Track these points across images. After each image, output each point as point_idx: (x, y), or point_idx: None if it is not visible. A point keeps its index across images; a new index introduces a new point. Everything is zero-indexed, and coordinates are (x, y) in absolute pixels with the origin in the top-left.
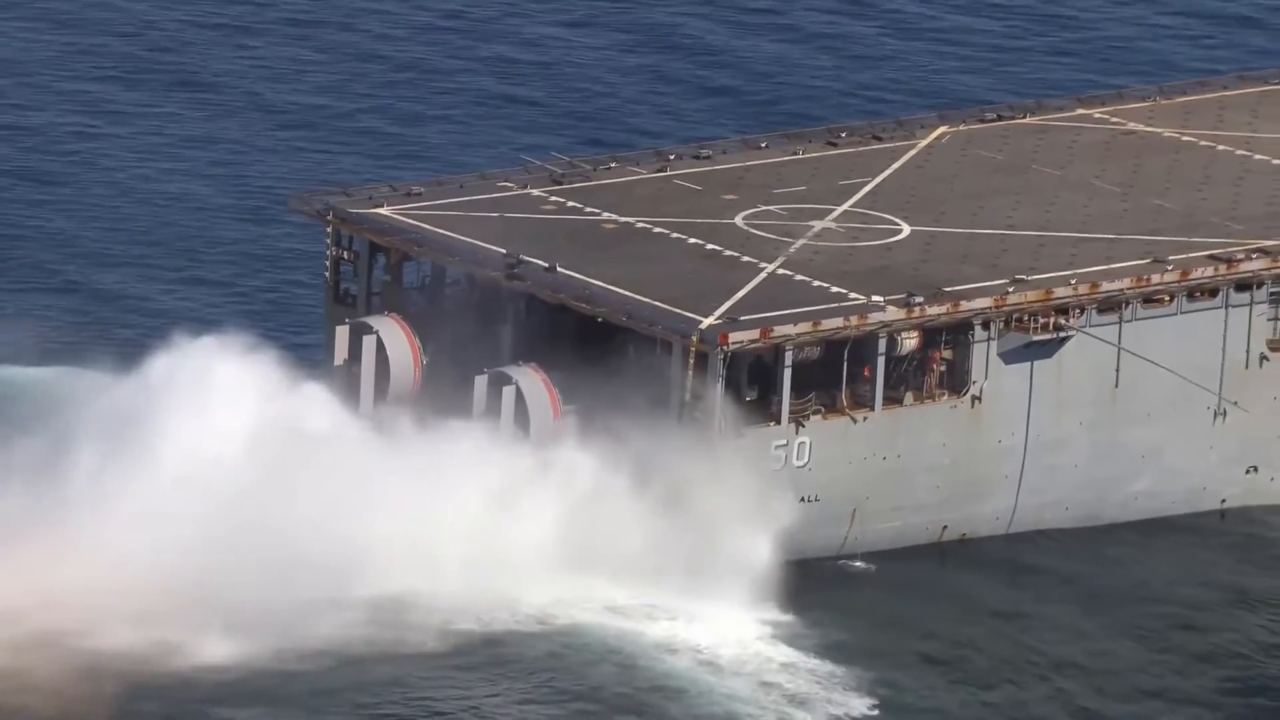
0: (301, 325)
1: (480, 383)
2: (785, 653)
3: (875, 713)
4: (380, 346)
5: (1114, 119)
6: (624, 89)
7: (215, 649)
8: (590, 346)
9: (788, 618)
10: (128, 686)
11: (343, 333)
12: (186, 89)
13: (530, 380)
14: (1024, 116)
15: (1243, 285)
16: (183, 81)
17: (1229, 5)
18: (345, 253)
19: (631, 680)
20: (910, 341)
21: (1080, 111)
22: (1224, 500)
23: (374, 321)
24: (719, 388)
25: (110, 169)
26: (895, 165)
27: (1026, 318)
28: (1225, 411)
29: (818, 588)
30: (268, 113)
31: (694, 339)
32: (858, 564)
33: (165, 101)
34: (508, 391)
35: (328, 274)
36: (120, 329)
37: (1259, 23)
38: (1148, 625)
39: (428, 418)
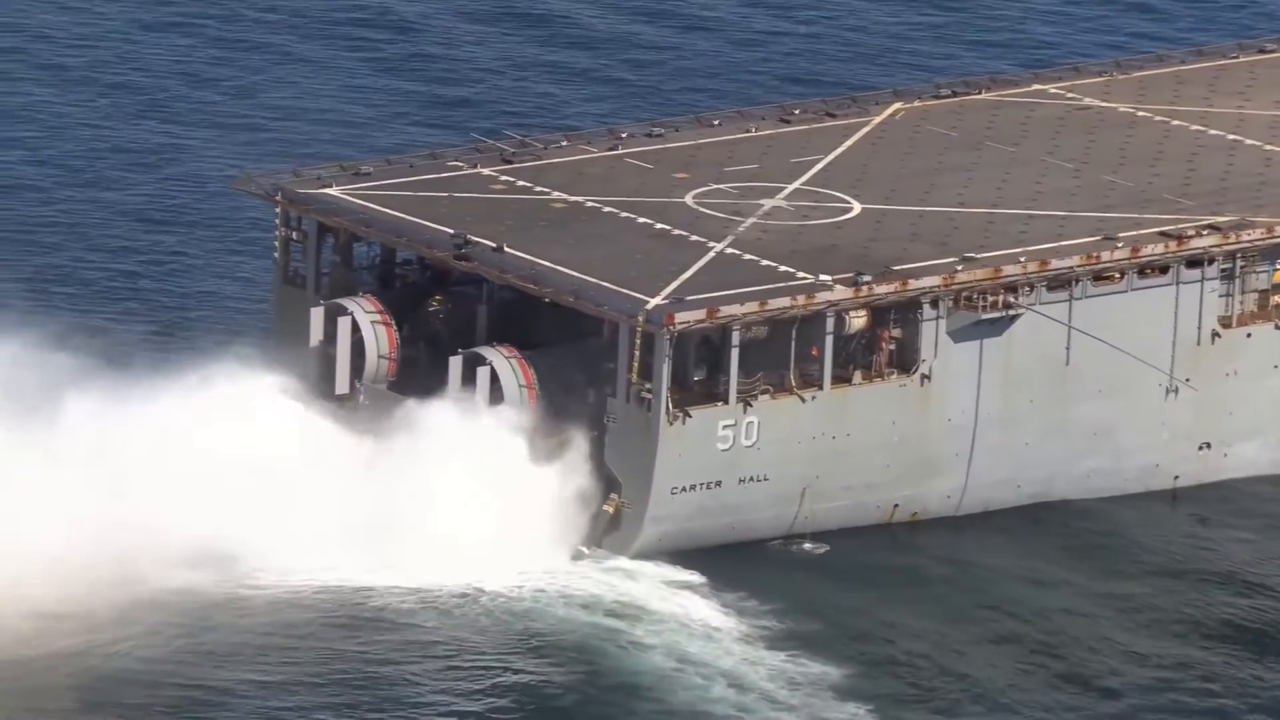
0: (250, 305)
1: (455, 364)
2: (723, 627)
3: (814, 697)
4: (355, 327)
5: (1069, 94)
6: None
7: None
8: (567, 325)
9: (731, 594)
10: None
11: (318, 314)
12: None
13: (504, 361)
14: (979, 92)
15: (1194, 262)
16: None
17: None
18: (294, 233)
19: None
20: (858, 320)
21: (1036, 87)
22: (1177, 478)
23: (348, 303)
24: (665, 368)
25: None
26: (848, 143)
27: (976, 296)
28: (1177, 389)
29: (766, 568)
30: (213, 94)
31: (640, 319)
32: (807, 544)
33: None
34: (482, 372)
35: (277, 254)
36: (67, 309)
37: None
38: (1105, 603)
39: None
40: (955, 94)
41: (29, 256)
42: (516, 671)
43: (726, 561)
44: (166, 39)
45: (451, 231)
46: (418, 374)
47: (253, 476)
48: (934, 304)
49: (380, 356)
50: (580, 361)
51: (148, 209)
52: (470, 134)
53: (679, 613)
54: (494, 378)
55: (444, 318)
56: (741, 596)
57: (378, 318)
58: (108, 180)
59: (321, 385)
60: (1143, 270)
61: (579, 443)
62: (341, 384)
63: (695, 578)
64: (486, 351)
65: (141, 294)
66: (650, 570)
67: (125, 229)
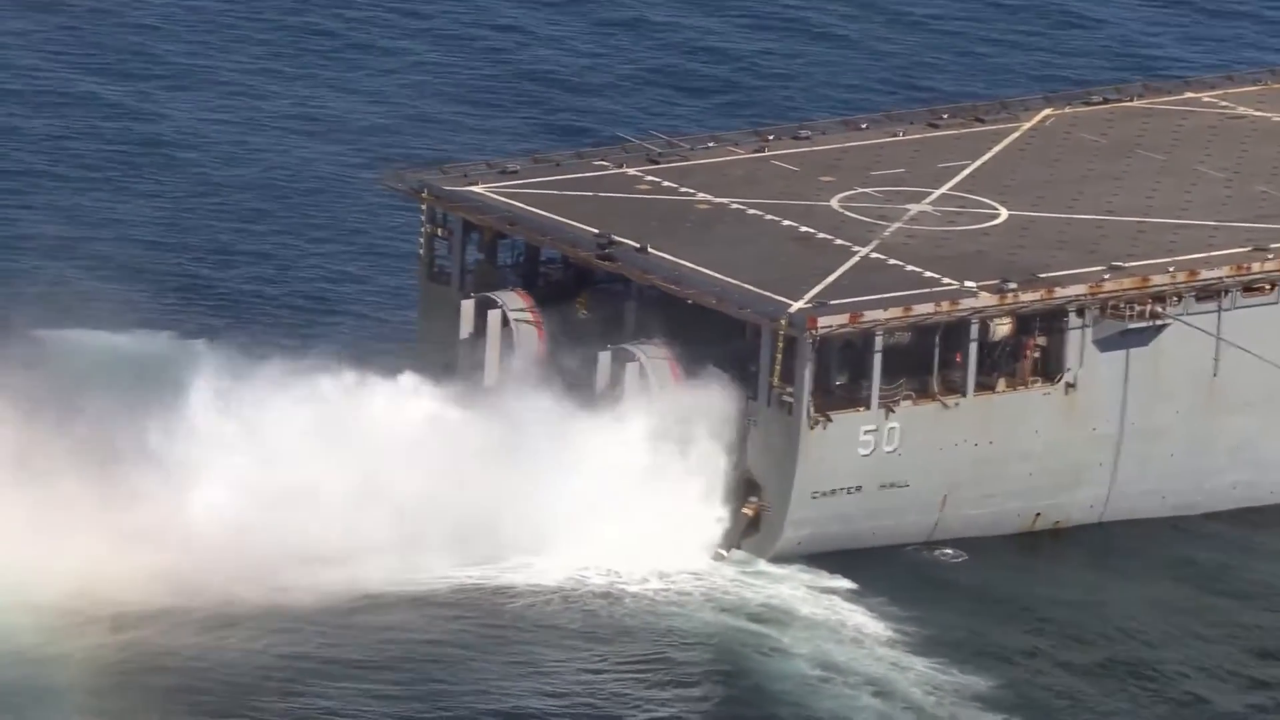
0: (394, 302)
1: (604, 359)
2: (868, 632)
3: (960, 707)
4: (505, 321)
5: (1223, 103)
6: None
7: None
8: (717, 323)
9: (874, 599)
10: None
11: (468, 306)
12: (286, 61)
13: (653, 356)
14: (1131, 99)
15: None
16: (278, 54)
17: None
18: (439, 230)
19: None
20: (1003, 328)
21: (1189, 95)
22: None
23: (498, 296)
24: (807, 372)
25: (204, 143)
26: (997, 148)
27: (1123, 305)
28: None
29: (907, 574)
30: (368, 88)
31: (783, 323)
32: (947, 551)
33: (262, 76)
34: (631, 368)
35: (421, 251)
36: (211, 300)
37: None
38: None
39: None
40: (1106, 101)
41: (174, 262)
42: (658, 675)
43: (866, 566)
44: (300, 42)
45: (596, 231)
46: (565, 368)
47: (406, 471)
48: (1080, 312)
49: (528, 350)
50: (728, 361)
51: (281, 210)
52: (615, 135)
53: (823, 618)
54: (642, 374)
55: (590, 314)
56: (884, 602)
57: (527, 312)
58: (245, 182)
59: (471, 377)
60: None
61: (722, 443)
62: (490, 376)
63: (838, 582)
64: (635, 347)
65: (282, 297)
66: (792, 574)
67: (261, 232)
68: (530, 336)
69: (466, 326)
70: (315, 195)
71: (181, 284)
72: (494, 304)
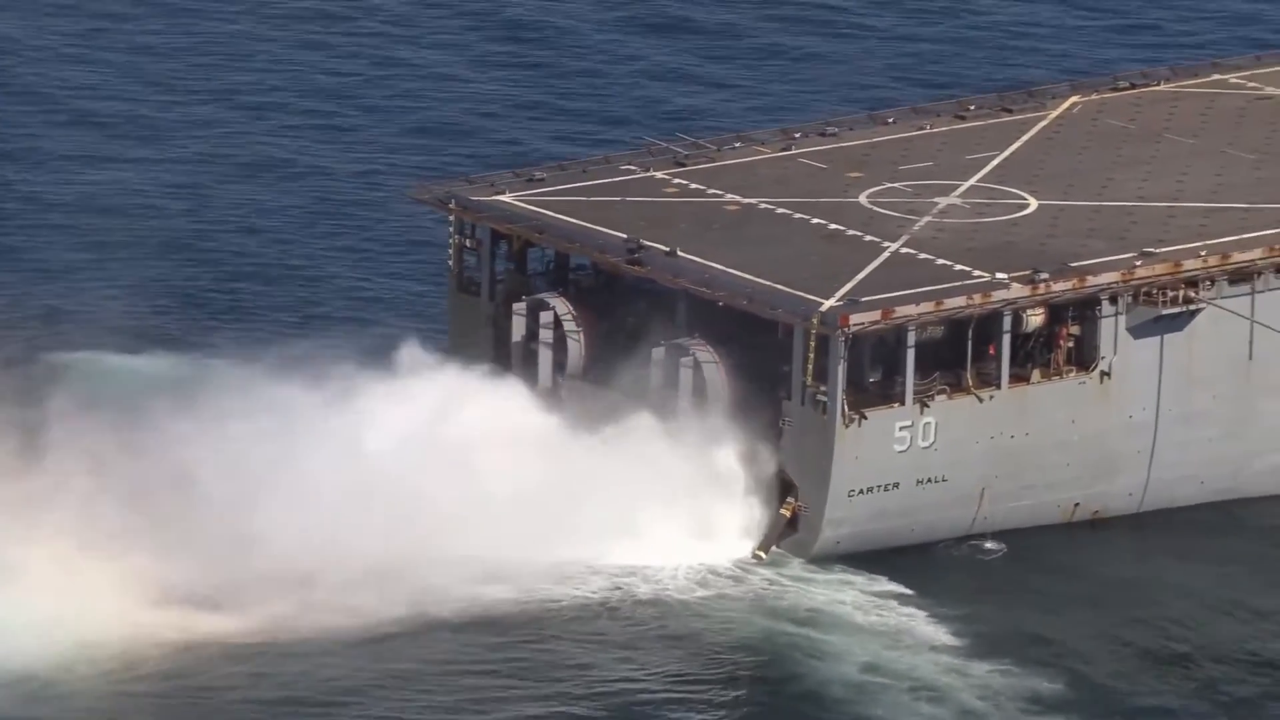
0: (423, 314)
1: (657, 355)
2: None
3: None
4: (557, 323)
5: (1250, 84)
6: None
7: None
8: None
9: (919, 599)
10: None
11: (520, 309)
12: (309, 71)
13: (707, 353)
14: (1158, 84)
15: None
16: (302, 63)
17: None
18: (468, 240)
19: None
20: (1036, 318)
21: (1216, 77)
22: None
23: (549, 298)
24: (840, 370)
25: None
26: (1024, 138)
27: (1155, 291)
28: None
29: (949, 571)
30: (388, 100)
31: (814, 321)
32: (988, 544)
33: (280, 85)
34: (685, 363)
35: (451, 262)
36: (234, 315)
37: None
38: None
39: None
40: (1133, 86)
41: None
42: (702, 679)
43: (908, 565)
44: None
45: (625, 236)
46: (618, 367)
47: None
48: (1113, 300)
49: (579, 351)
50: (773, 359)
51: (308, 224)
52: (643, 138)
53: (868, 619)
54: (696, 370)
55: (643, 310)
56: (928, 600)
57: (575, 314)
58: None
59: (525, 379)
60: None
61: (764, 443)
62: (545, 378)
63: (879, 582)
64: (688, 344)
65: (311, 306)
66: (833, 575)
67: (288, 244)
68: (579, 338)
69: (519, 330)
70: (343, 208)
71: (208, 301)
72: (546, 306)
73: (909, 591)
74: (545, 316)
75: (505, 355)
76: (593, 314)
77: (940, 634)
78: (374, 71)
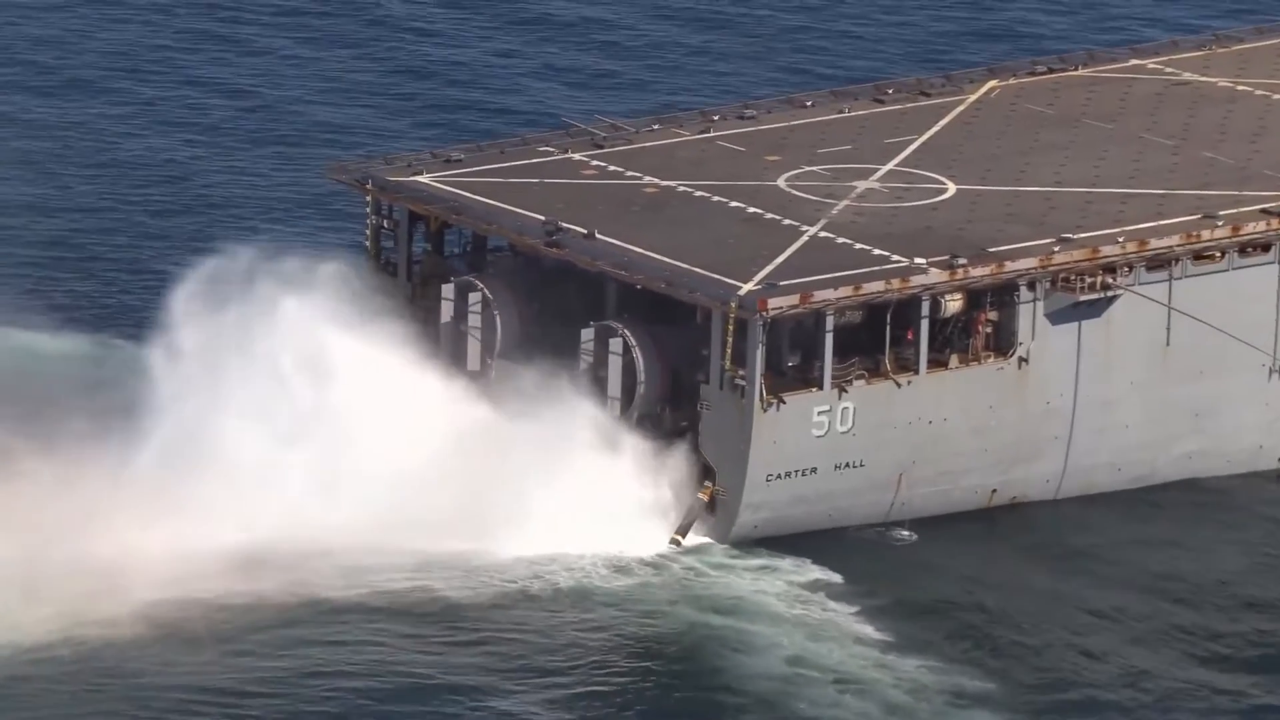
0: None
1: (586, 335)
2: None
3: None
4: (486, 304)
5: (1168, 69)
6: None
7: None
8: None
9: (835, 586)
10: None
11: (448, 290)
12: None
13: (637, 333)
14: (1076, 68)
15: None
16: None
17: None
18: (385, 221)
19: None
20: (954, 304)
21: (1134, 62)
22: None
23: (479, 279)
24: (759, 354)
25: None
26: (942, 122)
27: (1073, 277)
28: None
29: (863, 556)
30: (306, 78)
31: (732, 305)
32: (904, 532)
33: (196, 63)
34: (614, 343)
35: (368, 243)
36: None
37: None
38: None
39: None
40: (1051, 71)
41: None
42: (623, 670)
43: (822, 549)
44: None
45: (543, 218)
46: (549, 348)
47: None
48: (1031, 286)
49: (510, 332)
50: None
51: (225, 204)
52: (562, 119)
53: (784, 608)
54: (626, 350)
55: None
56: (842, 587)
57: (505, 296)
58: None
59: (454, 361)
60: (1244, 249)
61: (682, 427)
62: (474, 360)
63: (796, 566)
64: (617, 324)
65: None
66: (749, 560)
67: (204, 222)
68: (510, 319)
69: (447, 311)
70: (258, 189)
71: (124, 283)
72: (474, 287)
73: (822, 576)
74: (474, 297)
75: (428, 336)
76: (522, 295)
77: (853, 619)
78: (295, 50)
